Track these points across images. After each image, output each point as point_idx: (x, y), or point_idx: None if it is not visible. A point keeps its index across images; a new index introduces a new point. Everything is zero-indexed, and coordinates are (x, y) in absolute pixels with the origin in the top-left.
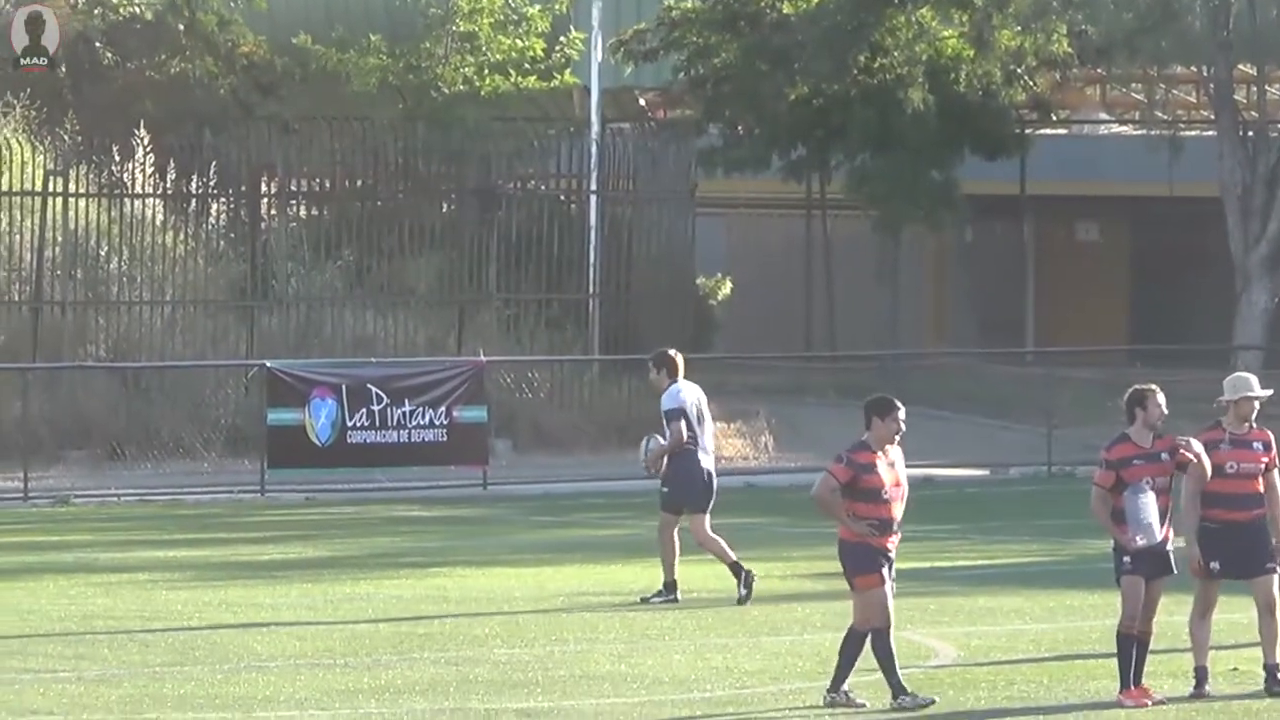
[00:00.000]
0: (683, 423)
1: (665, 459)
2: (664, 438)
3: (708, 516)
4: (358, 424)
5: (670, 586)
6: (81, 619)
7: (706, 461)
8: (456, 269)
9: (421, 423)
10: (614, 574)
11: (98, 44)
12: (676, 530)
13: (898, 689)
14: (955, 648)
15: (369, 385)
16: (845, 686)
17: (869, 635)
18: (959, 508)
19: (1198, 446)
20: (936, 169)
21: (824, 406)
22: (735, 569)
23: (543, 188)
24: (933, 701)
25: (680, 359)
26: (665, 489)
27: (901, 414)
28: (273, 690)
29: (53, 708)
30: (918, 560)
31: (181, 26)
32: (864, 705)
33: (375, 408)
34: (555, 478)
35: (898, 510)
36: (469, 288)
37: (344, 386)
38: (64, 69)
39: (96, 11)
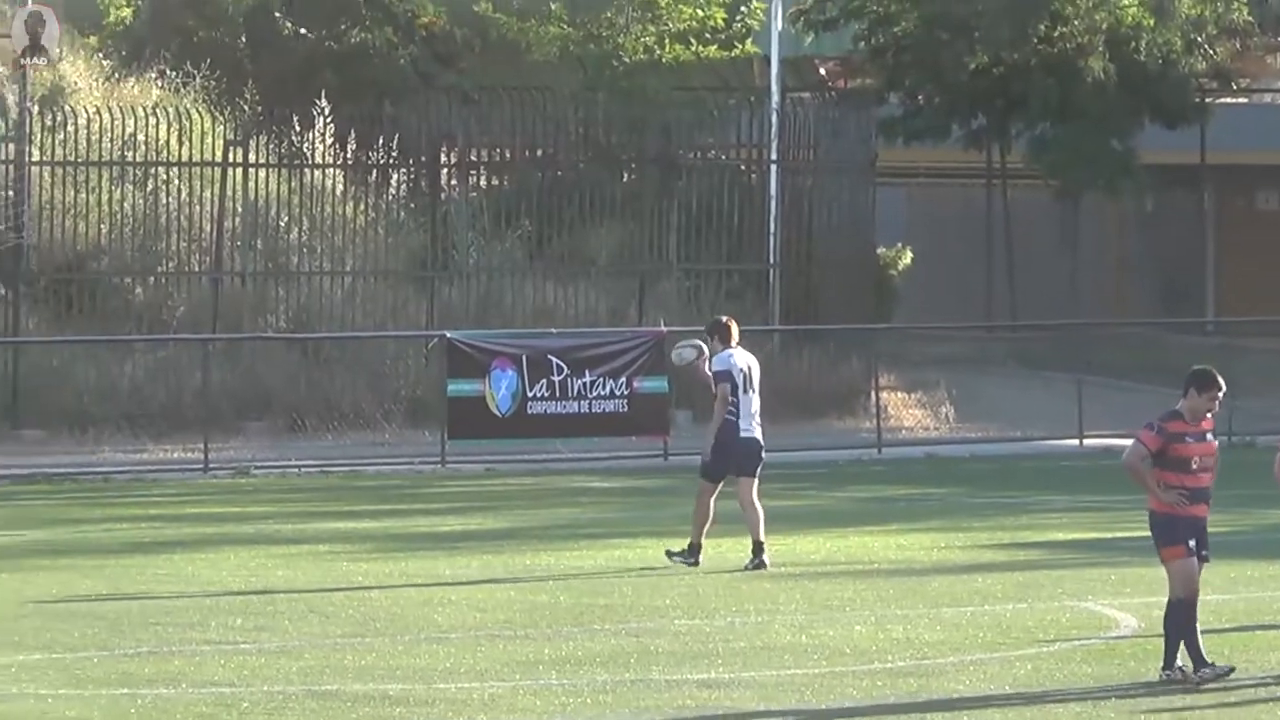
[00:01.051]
0: (727, 385)
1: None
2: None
3: (755, 481)
4: (538, 394)
5: (694, 549)
6: (262, 590)
7: (748, 430)
8: (637, 239)
9: (602, 393)
10: (794, 545)
11: (277, 14)
12: (714, 498)
13: (1171, 660)
14: (1136, 618)
15: (549, 356)
16: (1179, 663)
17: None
18: None
19: None
20: (1116, 138)
21: (1004, 376)
22: (758, 547)
23: (723, 157)
24: (1229, 670)
25: (734, 326)
26: (704, 458)
27: (1221, 392)
28: (453, 662)
29: (233, 679)
30: (1098, 530)
31: None
32: (1199, 681)
33: (556, 378)
34: None
35: (1208, 480)
36: (649, 258)
37: (524, 357)
38: (244, 39)
39: None
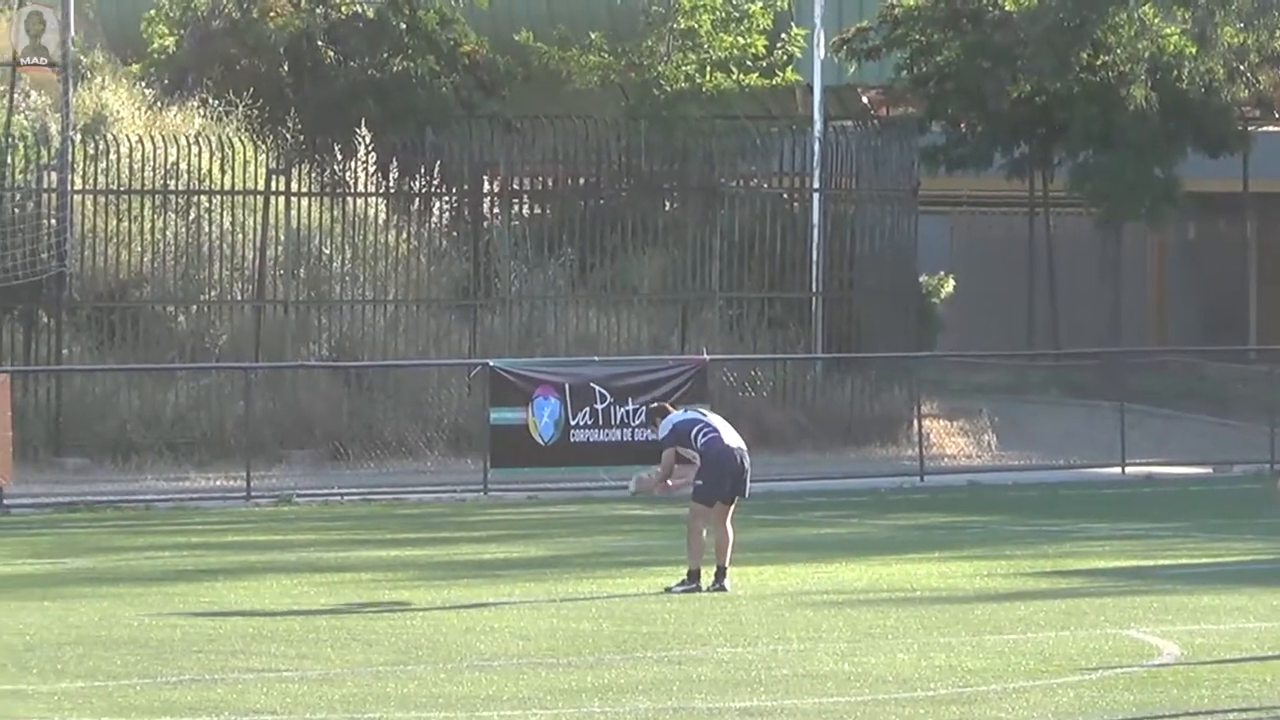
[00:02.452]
0: (671, 451)
1: (695, 460)
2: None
3: (733, 506)
4: (581, 423)
5: (719, 573)
6: (304, 618)
7: (736, 444)
8: (679, 267)
9: (645, 421)
10: (837, 572)
11: (319, 43)
12: (729, 519)
13: None
14: (1179, 646)
15: (592, 384)
16: None
17: None
18: (1182, 505)
19: None
20: (1159, 166)
21: (1046, 404)
22: (694, 575)
23: (765, 186)
24: None
25: (668, 405)
26: (699, 481)
27: None
28: (496, 689)
29: (275, 707)
30: (1141, 558)
31: (403, 25)
32: None
33: (598, 406)
34: (778, 476)
35: None
36: (692, 286)
37: (567, 385)
38: (286, 68)
39: (318, 10)
